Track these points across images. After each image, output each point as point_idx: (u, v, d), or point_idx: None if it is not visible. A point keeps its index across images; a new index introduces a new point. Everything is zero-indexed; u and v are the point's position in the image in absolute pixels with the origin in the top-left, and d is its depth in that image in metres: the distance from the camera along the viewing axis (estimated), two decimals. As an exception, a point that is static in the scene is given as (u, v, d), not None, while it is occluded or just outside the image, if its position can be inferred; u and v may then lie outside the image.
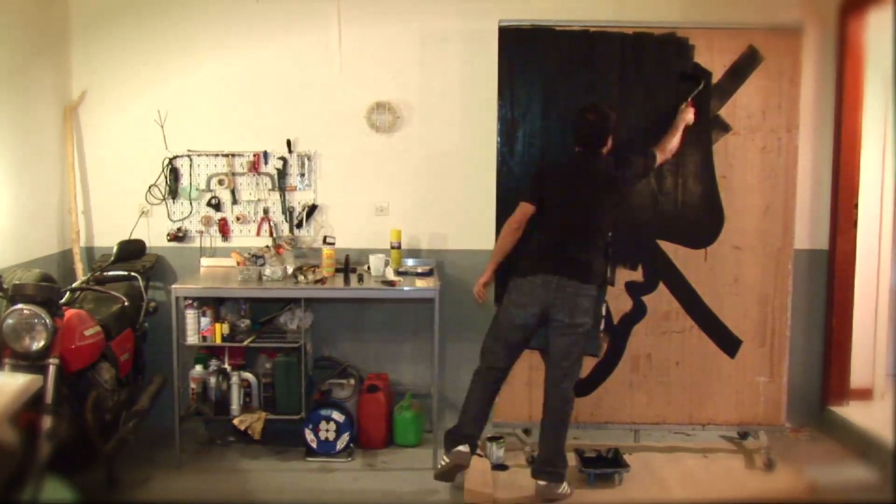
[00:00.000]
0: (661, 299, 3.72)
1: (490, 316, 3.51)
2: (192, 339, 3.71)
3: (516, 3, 3.90)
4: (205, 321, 3.71)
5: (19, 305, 2.84)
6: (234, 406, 3.78)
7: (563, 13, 3.72)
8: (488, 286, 3.55)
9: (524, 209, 3.42)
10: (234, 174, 4.12)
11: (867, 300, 4.10)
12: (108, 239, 3.96)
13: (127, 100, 4.11)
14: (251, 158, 4.10)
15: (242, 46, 4.08)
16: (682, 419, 3.78)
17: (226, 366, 3.83)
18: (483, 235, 3.89)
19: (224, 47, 4.08)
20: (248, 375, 3.82)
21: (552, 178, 3.42)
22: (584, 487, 3.43)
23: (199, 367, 3.82)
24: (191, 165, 4.12)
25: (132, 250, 3.50)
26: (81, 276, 3.87)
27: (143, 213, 4.14)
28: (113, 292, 3.35)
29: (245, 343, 3.74)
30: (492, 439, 3.71)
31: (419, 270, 3.97)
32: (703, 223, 3.70)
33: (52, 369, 2.83)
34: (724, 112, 3.66)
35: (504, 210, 3.66)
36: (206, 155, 4.12)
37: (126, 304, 3.39)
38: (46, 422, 2.73)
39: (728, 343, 3.73)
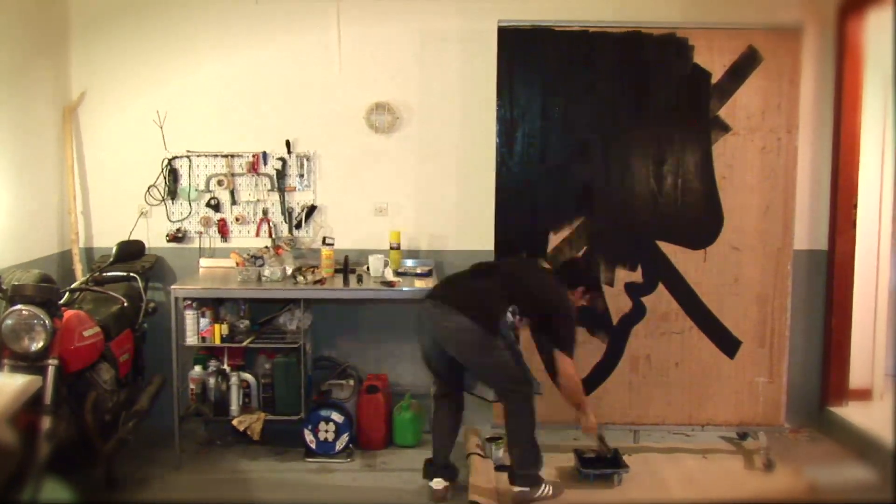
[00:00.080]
0: (660, 300, 3.72)
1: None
2: (191, 339, 3.71)
3: (516, 3, 3.90)
4: (204, 322, 3.71)
5: (18, 306, 2.84)
6: (234, 407, 3.78)
7: (563, 13, 3.72)
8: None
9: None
10: (233, 175, 4.12)
11: (866, 300, 4.10)
12: (108, 239, 3.96)
13: (126, 100, 4.11)
14: (250, 159, 4.10)
15: (242, 46, 4.08)
16: (681, 420, 3.78)
17: (225, 366, 3.83)
18: (482, 236, 3.89)
19: (223, 47, 4.08)
20: (247, 376, 3.82)
21: None
22: (584, 487, 3.43)
23: (198, 368, 3.82)
24: (190, 166, 4.12)
25: (131, 251, 3.50)
26: (81, 276, 3.87)
27: (142, 213, 4.14)
28: (112, 293, 3.34)
29: (244, 344, 3.74)
30: (491, 440, 3.72)
31: (418, 271, 3.97)
32: (703, 223, 3.71)
33: (51, 370, 2.82)
34: (723, 112, 3.66)
35: (504, 210, 3.67)
36: (206, 155, 4.12)
37: (125, 304, 3.39)
38: (46, 422, 2.72)
39: (727, 343, 3.73)
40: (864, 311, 4.10)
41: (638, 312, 3.73)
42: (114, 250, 3.44)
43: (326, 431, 3.76)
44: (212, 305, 3.77)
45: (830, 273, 4.09)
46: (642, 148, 3.69)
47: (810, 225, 4.08)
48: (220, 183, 4.11)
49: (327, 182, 4.14)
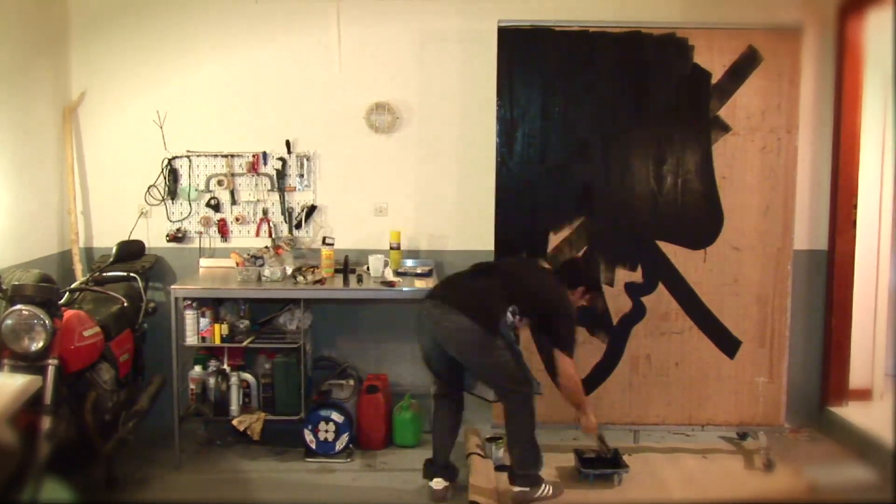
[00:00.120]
0: (660, 300, 3.72)
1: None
2: (191, 339, 3.71)
3: (516, 3, 3.90)
4: (204, 322, 3.71)
5: (18, 306, 2.84)
6: (234, 406, 3.78)
7: (563, 13, 3.72)
8: None
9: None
10: (233, 175, 4.12)
11: (866, 301, 4.10)
12: (108, 239, 3.96)
13: (126, 100, 4.11)
14: (250, 159, 4.10)
15: (242, 46, 4.08)
16: (681, 420, 3.78)
17: (225, 366, 3.83)
18: (482, 236, 3.89)
19: (224, 47, 4.08)
20: (247, 376, 3.82)
21: None
22: (584, 487, 3.44)
23: (198, 368, 3.82)
24: (190, 166, 4.12)
25: (131, 251, 3.50)
26: (81, 276, 3.87)
27: (142, 213, 4.14)
28: (112, 293, 3.34)
29: (244, 344, 3.74)
30: (491, 440, 3.71)
31: (418, 271, 3.97)
32: (703, 223, 3.71)
33: (51, 370, 2.82)
34: (723, 112, 3.66)
35: (504, 210, 3.67)
36: (206, 155, 4.12)
37: (125, 304, 3.39)
38: (46, 422, 2.72)
39: (727, 343, 3.73)
40: (864, 311, 4.10)
41: (638, 312, 3.73)
42: (114, 250, 3.44)
43: (326, 431, 3.76)
44: (212, 305, 3.77)
45: (830, 273, 4.09)
46: (642, 148, 3.69)
47: (810, 225, 4.08)
48: (220, 183, 4.11)
49: (327, 182, 4.14)
